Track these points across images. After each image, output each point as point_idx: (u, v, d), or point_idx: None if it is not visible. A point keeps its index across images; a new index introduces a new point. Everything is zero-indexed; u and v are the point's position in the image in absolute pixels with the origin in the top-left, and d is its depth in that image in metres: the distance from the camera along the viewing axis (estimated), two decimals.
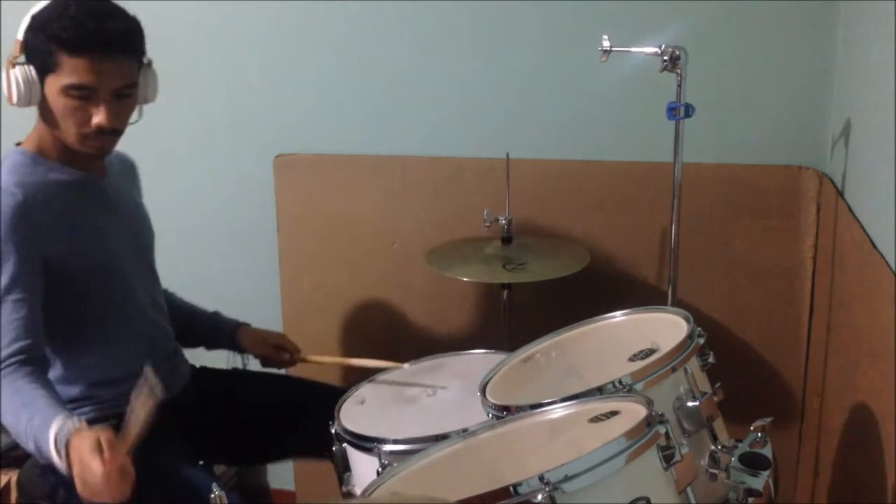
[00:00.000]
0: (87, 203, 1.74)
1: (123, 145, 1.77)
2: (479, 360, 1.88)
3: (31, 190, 1.63)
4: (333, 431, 1.66)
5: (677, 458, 1.17)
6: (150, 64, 1.75)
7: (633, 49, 1.84)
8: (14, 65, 1.62)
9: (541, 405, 1.37)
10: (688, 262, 2.06)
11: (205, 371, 2.04)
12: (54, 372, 1.71)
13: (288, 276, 2.50)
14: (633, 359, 1.47)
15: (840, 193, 1.94)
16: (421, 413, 1.70)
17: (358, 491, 1.64)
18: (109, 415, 1.71)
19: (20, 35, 1.63)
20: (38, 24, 1.60)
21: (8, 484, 2.09)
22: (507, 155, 2.09)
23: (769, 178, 2.12)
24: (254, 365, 2.06)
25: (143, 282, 1.86)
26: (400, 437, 1.57)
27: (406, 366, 1.88)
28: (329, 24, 2.34)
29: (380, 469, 1.52)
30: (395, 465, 1.38)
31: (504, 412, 1.41)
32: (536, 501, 1.05)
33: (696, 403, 1.37)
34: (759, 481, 1.33)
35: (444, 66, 2.30)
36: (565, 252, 2.12)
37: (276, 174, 2.44)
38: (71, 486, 1.66)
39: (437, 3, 2.24)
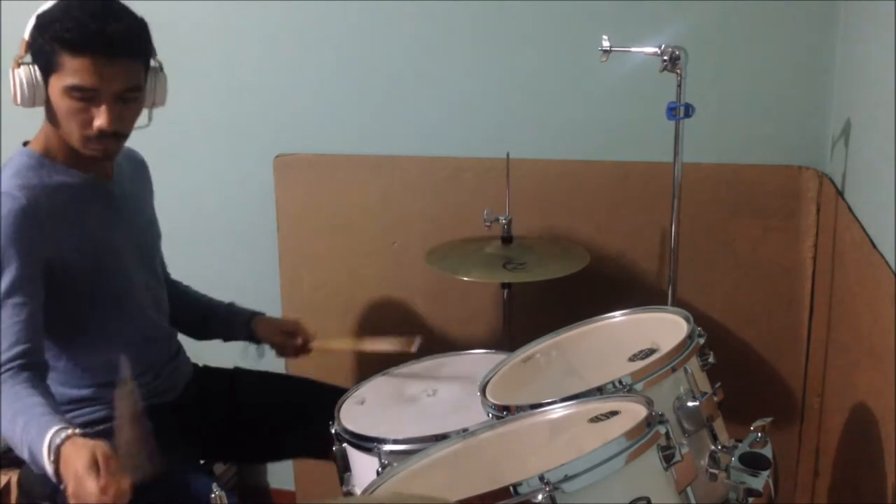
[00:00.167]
0: (92, 206, 1.73)
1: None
2: (479, 360, 1.88)
3: (33, 193, 1.62)
4: (333, 431, 1.66)
5: (677, 458, 1.17)
6: (160, 68, 1.73)
7: (633, 49, 1.84)
8: (19, 64, 1.61)
9: (541, 405, 1.37)
10: (688, 262, 2.06)
11: (207, 370, 2.04)
12: (57, 373, 1.71)
13: (288, 276, 2.50)
14: (633, 359, 1.47)
15: (840, 193, 1.94)
16: (421, 413, 1.70)
17: (358, 491, 1.64)
18: (112, 415, 1.71)
19: (26, 35, 1.62)
20: (42, 24, 1.60)
21: (8, 484, 2.09)
22: (508, 155, 2.09)
23: (769, 178, 2.12)
24: (270, 355, 2.05)
25: (147, 284, 1.86)
26: (400, 437, 1.57)
27: (416, 343, 1.91)
28: (329, 24, 2.34)
29: (380, 469, 1.52)
30: (395, 465, 1.38)
31: (504, 412, 1.41)
32: (536, 501, 1.05)
33: (696, 403, 1.37)
34: (759, 481, 1.33)
35: (444, 66, 2.30)
36: (565, 252, 2.12)
37: (276, 174, 2.44)
38: None
39: (437, 3, 2.24)
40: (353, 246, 2.43)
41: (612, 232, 2.24)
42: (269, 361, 2.09)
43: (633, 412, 1.23)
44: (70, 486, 1.38)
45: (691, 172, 1.95)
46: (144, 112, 1.74)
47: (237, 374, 2.07)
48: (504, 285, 2.10)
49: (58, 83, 1.60)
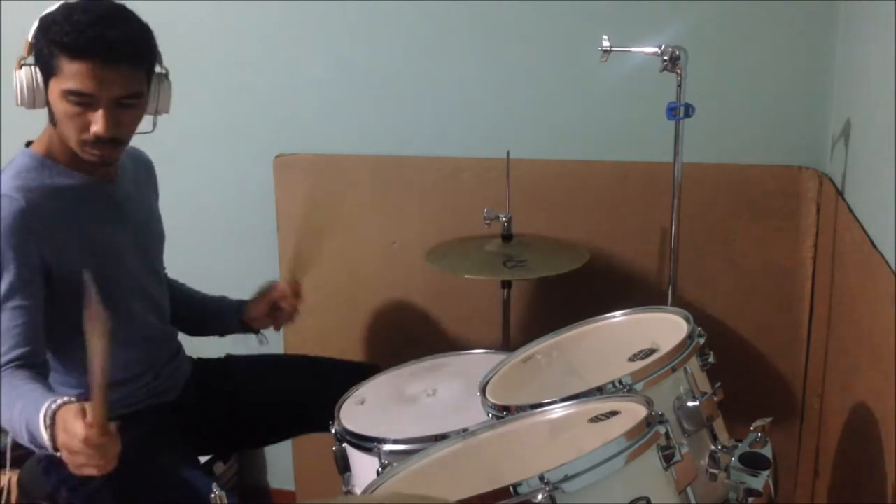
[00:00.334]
0: (92, 208, 1.72)
1: None
2: (479, 360, 1.88)
3: (33, 195, 1.62)
4: (333, 431, 1.66)
5: (677, 458, 1.17)
6: (165, 75, 1.72)
7: (633, 49, 1.84)
8: (22, 66, 1.61)
9: (541, 405, 1.37)
10: (688, 262, 2.06)
11: (201, 362, 2.05)
12: (57, 375, 1.71)
13: (288, 276, 2.49)
14: (633, 359, 1.47)
15: (840, 193, 1.94)
16: (421, 413, 1.70)
17: (358, 491, 1.64)
18: (112, 417, 1.70)
19: (30, 36, 1.62)
20: (44, 27, 1.59)
21: (9, 483, 2.09)
22: (508, 153, 2.09)
23: (769, 178, 2.12)
24: (274, 338, 2.07)
25: (147, 286, 1.86)
26: (400, 437, 1.57)
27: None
28: (329, 24, 2.34)
29: (380, 469, 1.52)
30: (395, 465, 1.38)
31: (504, 412, 1.41)
32: (536, 501, 1.05)
33: (696, 403, 1.37)
34: (759, 481, 1.33)
35: (444, 66, 2.30)
36: (565, 249, 2.12)
37: (276, 174, 2.44)
38: (72, 485, 1.66)
39: (437, 3, 2.24)
40: (353, 246, 2.43)
41: (612, 232, 2.24)
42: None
43: (633, 412, 1.23)
44: (61, 440, 1.37)
45: (691, 172, 1.95)
46: (149, 118, 1.72)
47: (230, 361, 2.09)
48: (504, 285, 2.10)
49: (56, 86, 1.59)
